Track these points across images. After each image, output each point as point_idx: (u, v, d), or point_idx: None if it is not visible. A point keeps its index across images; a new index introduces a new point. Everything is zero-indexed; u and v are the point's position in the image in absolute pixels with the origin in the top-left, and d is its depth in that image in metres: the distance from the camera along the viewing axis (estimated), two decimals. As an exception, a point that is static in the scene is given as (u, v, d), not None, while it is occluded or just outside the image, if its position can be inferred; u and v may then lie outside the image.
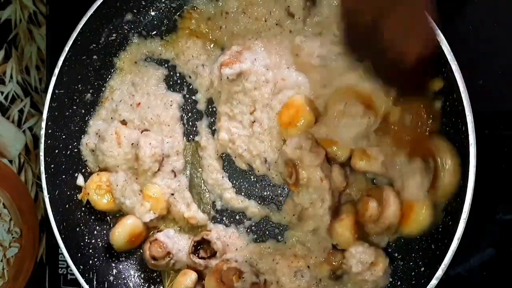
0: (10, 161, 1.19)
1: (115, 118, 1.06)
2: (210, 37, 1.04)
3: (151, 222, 1.04)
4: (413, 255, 0.90)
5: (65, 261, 1.03)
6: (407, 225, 0.88)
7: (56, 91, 1.01)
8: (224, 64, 0.95)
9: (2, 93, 1.17)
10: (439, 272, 0.81)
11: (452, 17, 0.98)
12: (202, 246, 1.02)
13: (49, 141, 1.02)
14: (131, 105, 1.06)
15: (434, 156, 0.83)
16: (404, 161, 0.88)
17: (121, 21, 1.05)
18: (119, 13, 1.04)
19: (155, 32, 1.07)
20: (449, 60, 0.80)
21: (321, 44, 0.95)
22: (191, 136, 1.07)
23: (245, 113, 0.99)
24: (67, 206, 1.04)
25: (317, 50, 0.95)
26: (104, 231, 1.07)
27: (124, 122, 1.05)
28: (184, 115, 1.07)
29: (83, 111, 1.07)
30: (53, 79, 1.00)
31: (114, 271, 1.06)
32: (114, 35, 1.06)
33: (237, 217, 1.05)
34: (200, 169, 1.06)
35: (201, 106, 1.06)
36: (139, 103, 1.05)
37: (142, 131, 1.04)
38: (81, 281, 0.99)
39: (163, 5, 1.06)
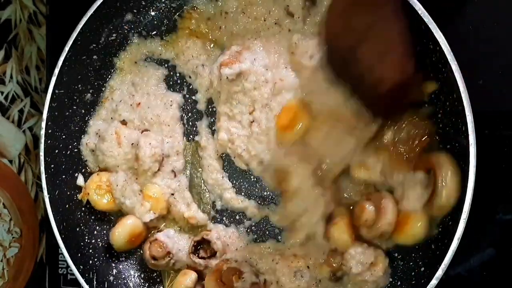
0: (10, 161, 1.19)
1: (115, 118, 1.06)
2: (210, 37, 1.04)
3: (151, 222, 1.04)
4: (413, 255, 0.90)
5: (65, 261, 1.03)
6: (401, 236, 0.88)
7: (56, 91, 1.01)
8: (223, 64, 0.95)
9: (2, 93, 1.17)
10: (439, 272, 0.81)
11: (452, 17, 0.98)
12: (202, 246, 1.02)
13: (49, 141, 1.02)
14: (131, 105, 1.06)
15: (435, 171, 0.82)
16: (406, 172, 0.89)
17: (121, 21, 1.05)
18: (119, 13, 1.04)
19: (155, 32, 1.07)
20: (449, 60, 0.80)
21: (317, 44, 0.95)
22: (191, 136, 1.07)
23: (244, 113, 0.99)
24: (67, 206, 1.04)
25: (310, 50, 0.95)
26: (104, 231, 1.07)
27: (124, 122, 1.05)
28: (184, 115, 1.07)
29: (83, 111, 1.07)
30: (53, 79, 1.00)
31: (114, 271, 1.06)
32: (114, 35, 1.06)
33: (237, 217, 1.05)
34: (200, 169, 1.06)
35: (201, 106, 1.06)
36: (139, 103, 1.05)
37: (142, 131, 1.04)
38: (81, 281, 0.99)
39: (163, 5, 1.06)
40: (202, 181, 1.06)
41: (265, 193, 1.03)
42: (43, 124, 1.01)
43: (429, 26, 0.81)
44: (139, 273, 1.07)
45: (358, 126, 0.88)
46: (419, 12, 0.82)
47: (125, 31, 1.06)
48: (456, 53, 0.80)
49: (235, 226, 1.04)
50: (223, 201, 1.04)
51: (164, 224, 1.06)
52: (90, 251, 1.05)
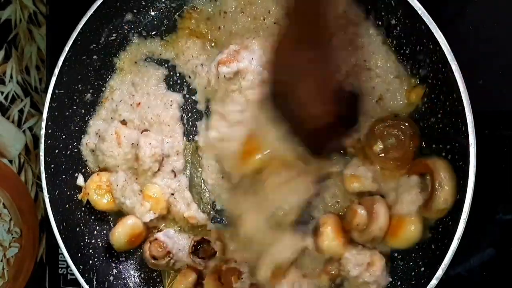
0: (10, 161, 1.20)
1: (115, 118, 1.06)
2: (210, 37, 1.04)
3: (151, 222, 1.04)
4: (413, 255, 0.90)
5: (65, 261, 1.03)
6: (396, 240, 0.88)
7: (56, 91, 1.01)
8: (221, 63, 0.95)
9: (2, 93, 1.18)
10: (439, 272, 0.81)
11: (452, 17, 0.98)
12: (202, 246, 1.02)
13: (49, 141, 1.02)
14: (131, 105, 1.06)
15: (432, 174, 0.82)
16: (400, 177, 0.89)
17: (121, 21, 1.05)
18: (119, 13, 1.04)
19: (155, 32, 1.07)
20: (449, 60, 0.80)
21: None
22: (191, 136, 1.07)
23: (235, 113, 0.98)
24: (67, 206, 1.04)
25: None
26: (104, 231, 1.07)
27: (124, 122, 1.05)
28: (184, 115, 1.07)
29: (83, 111, 1.07)
30: (53, 79, 1.00)
31: (114, 271, 1.06)
32: (114, 35, 1.06)
33: (237, 217, 1.05)
34: (200, 169, 1.06)
35: (201, 106, 1.06)
36: (139, 103, 1.05)
37: (142, 131, 1.04)
38: (81, 281, 0.99)
39: (163, 5, 1.06)
40: (202, 181, 1.06)
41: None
42: (43, 124, 1.01)
43: (429, 26, 0.81)
44: (139, 273, 1.07)
45: (302, 166, 0.89)
46: (419, 12, 0.82)
47: (125, 31, 1.06)
48: (456, 53, 0.80)
49: (235, 226, 1.04)
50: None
51: (164, 224, 1.06)
52: (90, 251, 1.05)
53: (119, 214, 1.07)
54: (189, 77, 1.06)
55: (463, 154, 0.80)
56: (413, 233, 0.86)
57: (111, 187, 1.04)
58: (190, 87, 1.07)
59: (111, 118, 1.07)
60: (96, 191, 1.04)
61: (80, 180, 1.06)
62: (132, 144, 1.02)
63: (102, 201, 1.04)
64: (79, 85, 1.05)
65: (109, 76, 1.08)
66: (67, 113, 1.05)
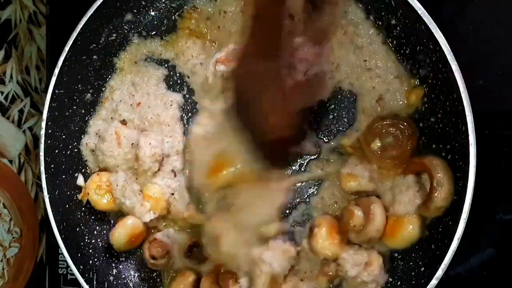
0: (10, 161, 1.20)
1: (115, 118, 1.06)
2: (209, 37, 1.04)
3: (151, 222, 1.04)
4: (413, 255, 0.90)
5: (65, 261, 1.03)
6: (394, 240, 0.88)
7: (56, 91, 1.01)
8: (219, 61, 0.95)
9: (2, 93, 1.18)
10: (439, 272, 0.81)
11: (452, 17, 0.98)
12: (196, 248, 1.02)
13: (49, 141, 1.02)
14: (131, 105, 1.06)
15: (430, 173, 0.83)
16: (397, 176, 0.89)
17: (121, 21, 1.05)
18: (119, 13, 1.04)
19: (155, 32, 1.07)
20: (449, 60, 0.80)
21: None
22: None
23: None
24: (67, 206, 1.04)
25: (310, 59, 0.95)
26: (104, 231, 1.07)
27: (124, 122, 1.05)
28: (184, 115, 1.07)
29: (83, 111, 1.07)
30: (53, 79, 1.00)
31: (114, 271, 1.06)
32: (114, 35, 1.06)
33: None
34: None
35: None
36: (139, 103, 1.05)
37: (142, 131, 1.04)
38: (81, 281, 0.99)
39: (163, 5, 1.06)
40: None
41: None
42: (43, 124, 1.01)
43: (429, 26, 0.81)
44: (139, 273, 1.07)
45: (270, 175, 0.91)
46: (419, 12, 0.82)
47: (125, 31, 1.06)
48: (456, 53, 0.80)
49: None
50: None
51: (164, 224, 1.06)
52: (90, 251, 1.05)
53: (119, 214, 1.07)
54: (189, 77, 1.06)
55: (463, 154, 0.80)
56: (411, 233, 0.86)
57: (111, 187, 1.03)
58: (190, 87, 1.07)
59: (111, 118, 1.07)
60: (96, 191, 1.04)
61: (80, 180, 1.06)
62: (132, 144, 1.02)
63: (102, 201, 1.04)
64: (79, 85, 1.05)
65: (109, 76, 1.08)
66: (67, 113, 1.05)
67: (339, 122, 0.98)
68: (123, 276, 1.07)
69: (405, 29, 0.88)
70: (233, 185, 0.94)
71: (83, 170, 1.08)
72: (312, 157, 1.00)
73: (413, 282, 0.87)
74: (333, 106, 0.98)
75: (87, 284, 0.99)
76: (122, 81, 1.08)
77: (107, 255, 1.06)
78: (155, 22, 1.07)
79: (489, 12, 0.97)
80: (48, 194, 1.00)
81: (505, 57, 0.96)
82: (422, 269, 0.87)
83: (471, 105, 0.79)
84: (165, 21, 1.07)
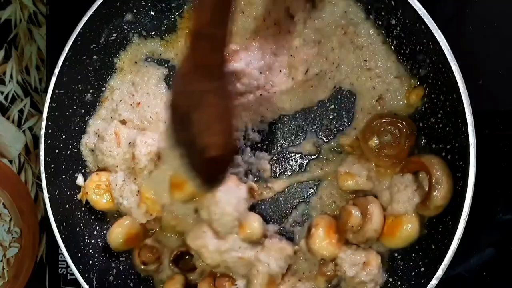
0: (10, 161, 1.19)
1: (115, 117, 1.06)
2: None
3: (148, 224, 1.04)
4: (413, 255, 0.90)
5: (65, 261, 1.03)
6: (393, 239, 0.88)
7: (56, 91, 1.01)
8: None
9: (2, 93, 1.17)
10: (439, 272, 0.81)
11: (452, 17, 0.98)
12: (186, 257, 1.02)
13: (49, 141, 1.02)
14: (131, 104, 1.06)
15: (429, 172, 0.83)
16: (395, 175, 0.89)
17: (121, 21, 1.05)
18: (119, 13, 1.04)
19: (155, 32, 1.07)
20: (449, 60, 0.80)
21: (317, 54, 0.95)
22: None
23: None
24: (67, 206, 1.04)
25: (309, 60, 0.95)
26: (104, 231, 1.07)
27: (123, 122, 1.05)
28: (184, 115, 1.07)
29: (83, 111, 1.07)
30: (53, 79, 1.00)
31: (114, 271, 1.06)
32: (114, 35, 1.06)
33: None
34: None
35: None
36: (139, 103, 1.05)
37: (141, 131, 1.04)
38: (81, 281, 0.99)
39: (163, 5, 1.06)
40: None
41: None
42: (43, 124, 1.01)
43: (429, 26, 0.81)
44: (139, 273, 1.07)
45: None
46: (419, 12, 0.82)
47: (125, 31, 1.06)
48: (456, 53, 0.80)
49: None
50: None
51: (160, 225, 1.06)
52: (90, 251, 1.05)
53: (117, 214, 1.07)
54: (189, 77, 1.06)
55: (463, 154, 0.80)
56: (410, 232, 0.86)
57: (110, 186, 1.03)
58: (190, 87, 1.06)
59: (111, 117, 1.07)
60: (95, 191, 1.04)
61: (79, 180, 1.06)
62: (130, 143, 1.02)
63: (101, 201, 1.04)
64: (79, 85, 1.05)
65: (109, 76, 1.08)
66: (67, 113, 1.05)
67: (339, 122, 0.98)
68: (123, 276, 1.07)
69: (405, 29, 0.88)
70: (198, 196, 0.95)
71: (83, 170, 1.08)
72: (312, 157, 1.00)
73: (413, 282, 0.87)
74: (333, 106, 0.98)
75: (87, 284, 0.99)
76: (122, 81, 1.08)
77: (107, 255, 1.06)
78: (155, 22, 1.07)
79: (489, 12, 0.97)
80: (48, 194, 1.00)
81: (505, 57, 0.96)
82: (422, 269, 0.87)
83: (471, 105, 0.79)
84: (165, 21, 1.07)
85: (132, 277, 1.07)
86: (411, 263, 0.90)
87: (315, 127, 0.99)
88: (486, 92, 0.94)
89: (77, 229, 1.05)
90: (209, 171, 0.79)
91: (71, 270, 1.00)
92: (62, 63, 1.00)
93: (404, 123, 0.88)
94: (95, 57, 1.05)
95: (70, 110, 1.05)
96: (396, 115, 0.90)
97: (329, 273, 0.93)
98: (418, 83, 0.89)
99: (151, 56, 1.08)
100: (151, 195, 1.00)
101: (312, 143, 0.99)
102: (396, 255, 0.93)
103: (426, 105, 0.89)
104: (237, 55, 0.96)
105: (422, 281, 0.83)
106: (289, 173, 1.01)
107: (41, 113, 1.02)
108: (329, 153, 0.98)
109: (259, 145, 1.02)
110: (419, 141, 0.90)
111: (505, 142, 0.96)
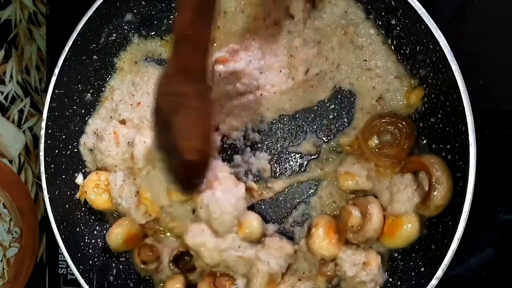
0: (10, 161, 1.19)
1: (115, 117, 1.06)
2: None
3: (148, 224, 1.04)
4: (413, 255, 0.90)
5: (65, 261, 1.03)
6: (393, 239, 0.88)
7: (56, 91, 1.01)
8: (218, 61, 0.95)
9: (2, 93, 1.17)
10: (439, 272, 0.81)
11: (452, 17, 0.98)
12: (185, 257, 1.02)
13: (49, 141, 1.02)
14: (131, 104, 1.06)
15: (429, 171, 0.83)
16: (394, 175, 0.89)
17: (121, 21, 1.05)
18: (119, 13, 1.04)
19: (155, 32, 1.07)
20: (449, 60, 0.80)
21: (317, 54, 0.95)
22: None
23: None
24: (67, 206, 1.04)
25: (309, 60, 0.95)
26: (104, 231, 1.07)
27: (123, 122, 1.05)
28: (184, 115, 1.07)
29: (83, 111, 1.07)
30: (53, 79, 1.00)
31: (114, 271, 1.06)
32: (114, 35, 1.06)
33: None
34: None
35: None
36: (139, 103, 1.05)
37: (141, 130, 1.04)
38: (81, 281, 0.99)
39: (163, 5, 1.06)
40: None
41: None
42: (43, 124, 1.01)
43: (429, 26, 0.81)
44: (139, 273, 1.07)
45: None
46: (419, 12, 0.82)
47: (125, 31, 1.06)
48: (456, 53, 0.80)
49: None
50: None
51: (158, 226, 1.06)
52: (90, 251, 1.05)
53: (116, 214, 1.07)
54: (189, 76, 1.06)
55: (463, 154, 0.80)
56: (410, 232, 0.86)
57: (109, 186, 1.03)
58: (190, 87, 1.06)
59: (110, 117, 1.07)
60: (94, 190, 1.04)
61: (79, 179, 1.06)
62: (129, 142, 1.02)
63: (99, 200, 1.04)
64: (79, 85, 1.05)
65: (109, 76, 1.09)
66: (67, 113, 1.05)
67: (339, 122, 0.98)
68: (123, 276, 1.07)
69: (405, 29, 0.88)
70: (196, 196, 0.95)
71: (83, 170, 1.08)
72: (312, 157, 1.00)
73: (413, 282, 0.87)
74: (333, 106, 0.98)
75: (87, 284, 0.99)
76: (122, 81, 1.08)
77: (107, 255, 1.06)
78: (155, 22, 1.07)
79: (489, 12, 0.97)
80: (48, 194, 1.00)
81: (505, 57, 0.96)
82: (422, 269, 0.87)
83: (471, 105, 0.79)
84: (165, 21, 1.07)
85: (132, 277, 1.07)
86: (411, 263, 0.90)
87: (315, 127, 0.99)
88: (486, 92, 0.94)
89: (77, 229, 1.05)
90: (187, 175, 0.80)
91: (71, 270, 1.00)
92: (62, 63, 1.00)
93: (404, 123, 0.88)
94: (95, 57, 1.05)
95: (70, 110, 1.05)
96: (396, 115, 0.90)
97: (329, 273, 0.93)
98: (418, 83, 0.89)
99: (151, 56, 1.08)
100: (150, 196, 1.00)
101: (312, 143, 0.99)
102: (396, 255, 0.93)
103: (426, 105, 0.89)
104: (237, 55, 0.96)
105: (422, 281, 0.83)
106: (289, 173, 1.01)
107: (41, 113, 1.02)
108: (329, 153, 0.98)
109: (259, 145, 1.02)
110: (419, 141, 0.90)
111: (505, 142, 0.96)
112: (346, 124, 0.97)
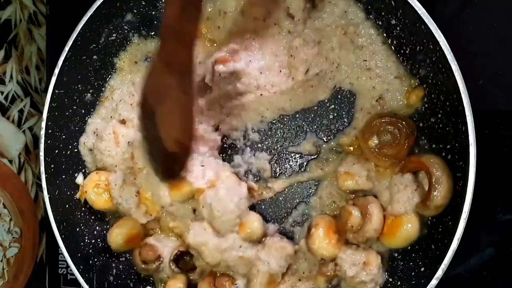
0: (10, 161, 1.19)
1: (115, 117, 1.06)
2: (209, 36, 1.04)
3: (148, 224, 1.04)
4: (413, 255, 0.90)
5: (65, 261, 1.03)
6: (393, 239, 0.88)
7: (56, 91, 1.01)
8: (219, 61, 0.95)
9: (2, 93, 1.17)
10: (439, 272, 0.81)
11: (452, 17, 0.98)
12: (185, 257, 1.02)
13: (49, 141, 1.02)
14: (131, 104, 1.06)
15: (429, 171, 0.83)
16: (394, 175, 0.89)
17: (121, 21, 1.05)
18: (119, 13, 1.04)
19: (155, 32, 1.07)
20: (449, 60, 0.80)
21: (318, 54, 0.95)
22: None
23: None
24: (67, 206, 1.04)
25: (309, 60, 0.95)
26: (104, 231, 1.07)
27: (123, 122, 1.05)
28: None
29: (83, 111, 1.07)
30: (53, 79, 1.00)
31: (114, 271, 1.06)
32: (114, 35, 1.06)
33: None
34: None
35: (201, 105, 1.06)
36: (139, 103, 1.05)
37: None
38: (81, 281, 0.99)
39: (163, 5, 1.06)
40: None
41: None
42: (43, 124, 1.01)
43: (429, 26, 0.81)
44: (139, 273, 1.07)
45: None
46: (419, 12, 0.82)
47: (125, 31, 1.06)
48: (456, 53, 0.80)
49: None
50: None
51: (159, 226, 1.06)
52: (90, 251, 1.05)
53: (116, 214, 1.07)
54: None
55: (463, 154, 0.80)
56: (410, 232, 0.86)
57: (109, 186, 1.03)
58: (190, 87, 1.06)
59: (110, 117, 1.07)
60: (94, 190, 1.04)
61: (79, 179, 1.06)
62: (129, 142, 1.02)
63: (99, 200, 1.04)
64: (79, 85, 1.05)
65: (109, 76, 1.09)
66: (67, 113, 1.05)
67: (339, 122, 0.98)
68: (123, 276, 1.07)
69: (405, 29, 0.88)
70: (197, 195, 0.95)
71: (83, 170, 1.08)
72: (312, 157, 1.00)
73: (413, 282, 0.87)
74: (333, 106, 0.98)
75: (87, 284, 0.99)
76: (122, 81, 1.08)
77: (107, 255, 1.06)
78: (155, 22, 1.07)
79: (489, 12, 0.97)
80: (48, 194, 1.00)
81: (505, 57, 0.96)
82: (422, 269, 0.87)
83: (471, 105, 0.79)
84: (165, 21, 1.07)
85: (132, 277, 1.07)
86: (411, 263, 0.90)
87: (315, 127, 0.99)
88: (486, 92, 0.95)
89: (77, 229, 1.05)
90: (167, 164, 0.82)
91: (71, 270, 1.00)
92: (62, 63, 1.00)
93: (404, 123, 0.88)
94: (95, 57, 1.05)
95: (70, 110, 1.05)
96: (396, 115, 0.90)
97: (329, 273, 0.93)
98: (418, 83, 0.89)
99: (151, 56, 1.08)
100: (150, 196, 1.00)
101: (312, 143, 0.99)
102: (396, 255, 0.93)
103: (426, 105, 0.89)
104: (237, 55, 0.96)
105: (422, 281, 0.83)
106: (289, 173, 1.01)
107: (41, 113, 1.02)
108: (329, 153, 0.98)
109: (259, 145, 1.02)
110: (419, 141, 0.90)
111: (505, 142, 0.96)
112: (346, 124, 0.97)
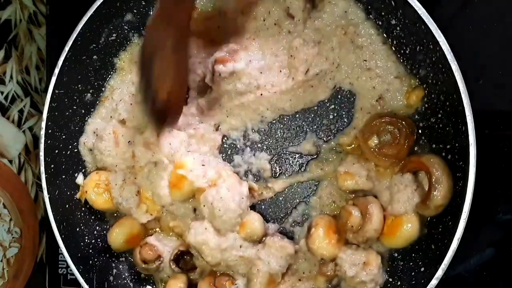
0: (10, 161, 1.19)
1: (115, 117, 1.06)
2: (209, 36, 1.04)
3: (149, 223, 1.04)
4: (413, 255, 0.90)
5: (65, 261, 1.03)
6: (393, 239, 0.88)
7: (56, 91, 1.01)
8: (219, 61, 0.95)
9: (2, 93, 1.18)
10: (439, 272, 0.81)
11: (452, 17, 0.98)
12: (186, 256, 1.02)
13: (49, 141, 1.02)
14: (131, 104, 1.06)
15: (429, 171, 0.83)
16: (394, 175, 0.89)
17: (121, 21, 1.05)
18: (119, 13, 1.04)
19: (155, 32, 1.07)
20: (449, 60, 0.80)
21: (318, 54, 0.95)
22: (191, 136, 1.07)
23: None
24: (67, 206, 1.04)
25: (309, 60, 0.95)
26: (104, 231, 1.07)
27: (123, 121, 1.05)
28: (184, 114, 1.07)
29: (83, 111, 1.07)
30: (53, 79, 1.00)
31: (114, 271, 1.06)
32: (114, 35, 1.06)
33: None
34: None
35: (201, 105, 1.06)
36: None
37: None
38: (81, 281, 0.99)
39: None
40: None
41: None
42: (43, 124, 1.01)
43: (429, 26, 0.81)
44: (139, 273, 1.07)
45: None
46: (419, 12, 0.82)
47: (125, 31, 1.06)
48: (456, 53, 0.80)
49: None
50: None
51: (159, 226, 1.06)
52: (90, 251, 1.05)
53: (116, 214, 1.07)
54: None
55: (463, 154, 0.80)
56: (410, 232, 0.86)
57: (109, 186, 1.03)
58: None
59: (110, 117, 1.07)
60: (95, 190, 1.04)
61: (79, 179, 1.06)
62: (129, 142, 1.02)
63: (99, 200, 1.04)
64: (79, 85, 1.05)
65: (109, 76, 1.08)
66: (67, 113, 1.05)
67: (339, 122, 0.98)
68: (123, 276, 1.07)
69: (405, 29, 0.88)
70: (197, 193, 0.95)
71: (83, 170, 1.08)
72: (312, 157, 1.00)
73: (413, 282, 0.87)
74: (333, 106, 0.98)
75: (87, 284, 0.99)
76: (122, 81, 1.08)
77: (107, 255, 1.06)
78: (155, 22, 1.07)
79: (489, 12, 0.97)
80: (48, 194, 1.00)
81: (505, 57, 0.96)
82: (422, 269, 0.87)
83: (471, 105, 0.79)
84: (165, 21, 1.07)
85: (132, 277, 1.07)
86: (411, 263, 0.90)
87: (315, 127, 0.99)
88: (486, 92, 0.95)
89: (77, 229, 1.05)
90: (159, 114, 0.87)
91: (71, 270, 1.00)
92: (62, 63, 1.00)
93: (404, 123, 0.88)
94: (95, 57, 1.05)
95: (70, 110, 1.05)
96: (396, 115, 0.90)
97: (329, 273, 0.93)
98: (418, 83, 0.89)
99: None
100: (151, 195, 1.00)
101: (312, 143, 0.99)
102: (396, 255, 0.93)
103: (426, 105, 0.89)
104: (237, 55, 0.96)
105: (422, 281, 0.84)
106: (289, 173, 1.01)
107: (41, 113, 1.02)
108: (329, 153, 0.98)
109: (259, 145, 1.02)
110: (419, 141, 0.90)
111: (505, 142, 0.96)
112: (346, 124, 0.97)
